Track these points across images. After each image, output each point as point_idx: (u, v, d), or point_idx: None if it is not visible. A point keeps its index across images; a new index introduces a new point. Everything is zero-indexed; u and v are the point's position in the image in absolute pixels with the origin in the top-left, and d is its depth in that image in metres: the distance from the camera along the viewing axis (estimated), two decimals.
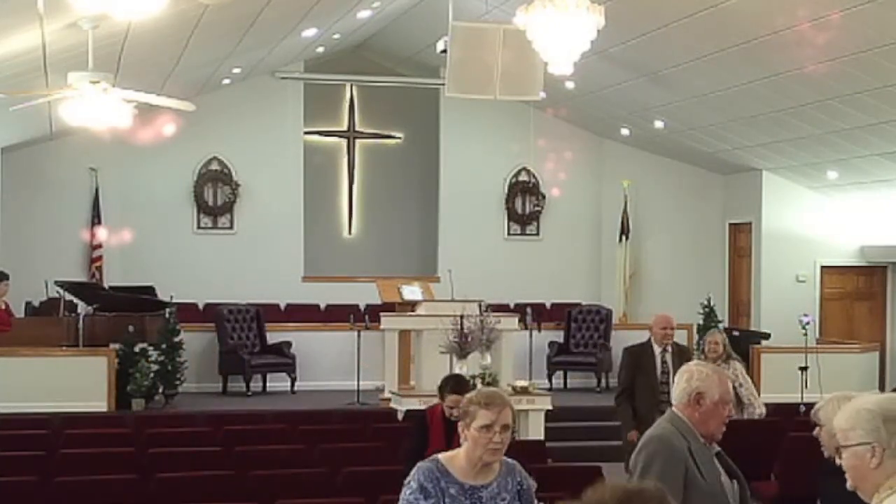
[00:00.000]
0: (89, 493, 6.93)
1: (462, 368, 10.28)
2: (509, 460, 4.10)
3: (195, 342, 14.17)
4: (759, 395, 9.82)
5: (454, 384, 6.85)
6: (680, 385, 4.17)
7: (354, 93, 17.71)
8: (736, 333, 15.44)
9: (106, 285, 15.16)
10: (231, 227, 16.85)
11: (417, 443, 6.68)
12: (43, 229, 15.90)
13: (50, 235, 15.91)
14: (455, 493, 3.93)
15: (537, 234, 17.75)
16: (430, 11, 13.02)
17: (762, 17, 10.40)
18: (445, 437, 6.41)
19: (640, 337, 15.65)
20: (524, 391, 10.77)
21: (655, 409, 7.51)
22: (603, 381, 15.00)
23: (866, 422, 3.19)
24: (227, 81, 15.97)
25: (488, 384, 9.87)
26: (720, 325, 15.33)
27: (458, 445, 4.10)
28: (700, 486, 3.99)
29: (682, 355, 8.60)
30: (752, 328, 16.13)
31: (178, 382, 13.41)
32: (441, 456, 4.06)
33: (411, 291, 13.36)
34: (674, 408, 4.19)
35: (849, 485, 3.31)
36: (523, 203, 17.70)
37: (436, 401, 7.06)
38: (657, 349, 8.68)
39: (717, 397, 4.09)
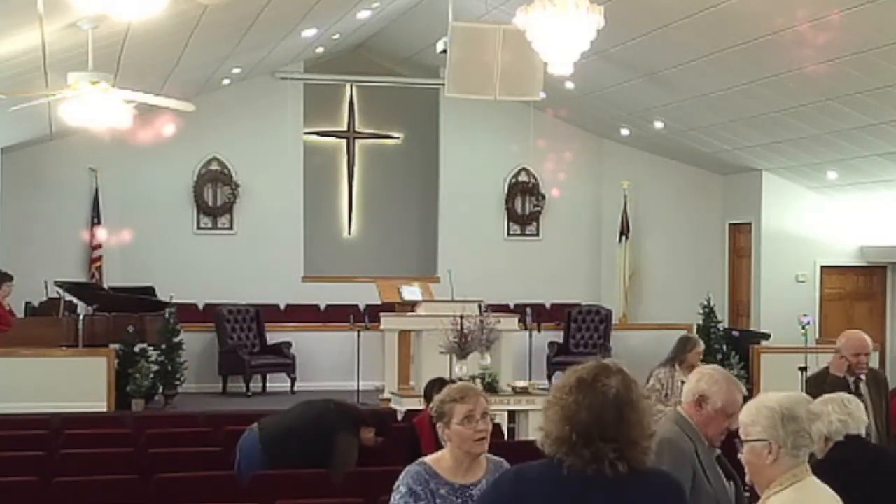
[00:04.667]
0: (89, 493, 6.92)
1: (462, 369, 10.28)
2: (496, 458, 4.07)
3: (195, 342, 14.17)
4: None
5: (440, 384, 6.92)
6: (689, 384, 4.09)
7: (354, 93, 17.71)
8: (736, 334, 15.45)
9: (106, 286, 15.16)
10: (231, 228, 16.85)
11: (409, 458, 6.67)
12: (43, 229, 15.90)
13: (50, 235, 15.91)
14: (445, 494, 3.91)
15: (537, 234, 17.75)
16: (430, 12, 13.02)
17: (762, 17, 10.40)
18: (435, 442, 6.40)
19: (640, 337, 15.93)
20: (524, 391, 10.76)
21: None
22: None
23: (765, 419, 3.27)
24: (226, 81, 15.97)
25: (488, 384, 9.88)
26: (720, 326, 15.34)
27: None
28: (706, 490, 3.92)
29: (878, 383, 7.04)
30: (752, 328, 16.13)
31: (177, 383, 13.40)
32: (427, 458, 4.05)
33: (411, 292, 13.36)
34: (679, 406, 4.10)
35: (747, 479, 3.37)
36: (523, 203, 17.70)
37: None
38: (849, 378, 6.92)
39: (720, 405, 3.98)
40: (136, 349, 13.01)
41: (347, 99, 17.70)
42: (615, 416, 2.94)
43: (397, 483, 3.98)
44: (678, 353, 8.59)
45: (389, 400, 12.23)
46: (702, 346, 8.81)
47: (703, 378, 4.05)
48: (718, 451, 4.09)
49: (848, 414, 4.64)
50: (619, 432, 2.93)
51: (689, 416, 4.03)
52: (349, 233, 17.81)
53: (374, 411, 7.69)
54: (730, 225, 17.61)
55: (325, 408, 7.43)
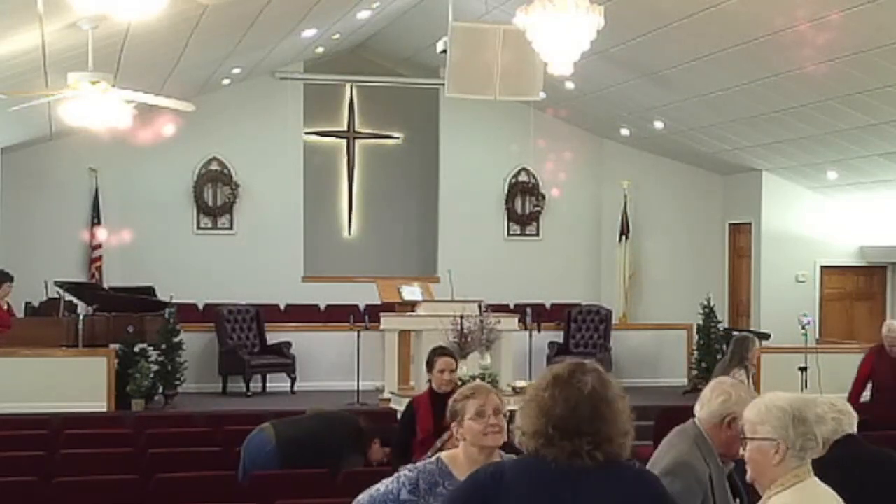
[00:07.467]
0: (89, 493, 6.93)
1: (462, 369, 10.27)
2: (512, 456, 4.07)
3: (195, 342, 14.15)
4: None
5: (440, 350, 7.06)
6: (713, 404, 3.99)
7: (354, 93, 17.71)
8: (736, 334, 15.44)
9: (105, 286, 15.16)
10: (231, 228, 16.85)
11: (405, 433, 6.79)
12: (43, 229, 15.90)
13: (50, 235, 15.92)
14: None
15: (537, 234, 17.75)
16: (430, 12, 13.02)
17: (762, 17, 10.41)
18: (433, 413, 6.44)
19: (640, 337, 15.91)
20: (524, 391, 10.76)
21: None
22: None
23: (776, 419, 3.25)
24: (226, 81, 15.97)
25: (488, 385, 9.87)
26: (720, 326, 15.32)
27: (444, 419, 4.09)
28: None
29: None
30: (752, 328, 16.10)
31: (177, 383, 13.38)
32: (443, 455, 4.02)
33: (411, 292, 13.35)
34: (699, 424, 3.99)
35: (748, 476, 3.36)
36: (523, 203, 17.70)
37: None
38: None
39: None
40: (136, 349, 13.00)
41: (347, 99, 17.70)
42: (590, 412, 2.99)
43: (410, 468, 3.96)
44: (743, 355, 8.73)
45: (389, 400, 12.23)
46: (758, 343, 9.15)
47: (731, 399, 3.96)
48: (731, 467, 4.01)
49: (841, 412, 4.65)
50: (593, 427, 2.98)
51: (710, 435, 3.95)
52: (349, 233, 17.81)
53: (382, 428, 7.75)
54: (730, 225, 17.61)
55: (343, 427, 7.51)
